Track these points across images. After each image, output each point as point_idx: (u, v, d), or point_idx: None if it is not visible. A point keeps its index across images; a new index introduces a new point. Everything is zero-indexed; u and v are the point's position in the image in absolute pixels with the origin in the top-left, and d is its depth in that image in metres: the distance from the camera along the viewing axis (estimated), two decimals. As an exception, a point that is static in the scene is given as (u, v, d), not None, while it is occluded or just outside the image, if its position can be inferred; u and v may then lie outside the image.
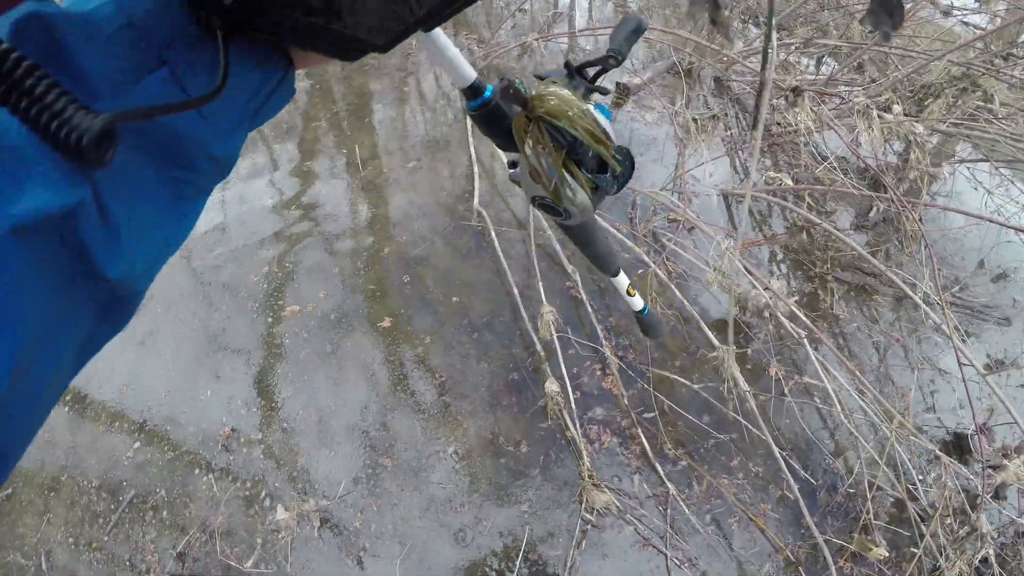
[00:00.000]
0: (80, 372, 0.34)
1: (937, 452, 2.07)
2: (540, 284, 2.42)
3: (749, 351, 2.44)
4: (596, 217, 0.69)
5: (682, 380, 2.28)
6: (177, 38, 0.32)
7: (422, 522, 2.05)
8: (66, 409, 2.33)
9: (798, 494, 2.03)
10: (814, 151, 2.84)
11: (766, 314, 2.19)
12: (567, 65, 0.64)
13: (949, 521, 2.01)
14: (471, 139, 3.25)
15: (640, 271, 2.66)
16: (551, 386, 2.15)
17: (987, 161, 3.22)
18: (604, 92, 0.66)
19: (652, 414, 2.26)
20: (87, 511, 2.10)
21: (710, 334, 2.18)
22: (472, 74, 0.55)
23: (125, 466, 2.18)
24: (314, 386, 2.35)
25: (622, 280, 0.83)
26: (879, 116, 2.42)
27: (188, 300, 2.65)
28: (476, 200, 2.75)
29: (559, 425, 2.23)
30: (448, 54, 0.52)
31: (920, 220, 2.59)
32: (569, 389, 2.21)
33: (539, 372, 2.34)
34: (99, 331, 0.35)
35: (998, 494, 2.12)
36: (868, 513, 2.05)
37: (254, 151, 3.44)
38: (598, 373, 2.38)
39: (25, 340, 0.27)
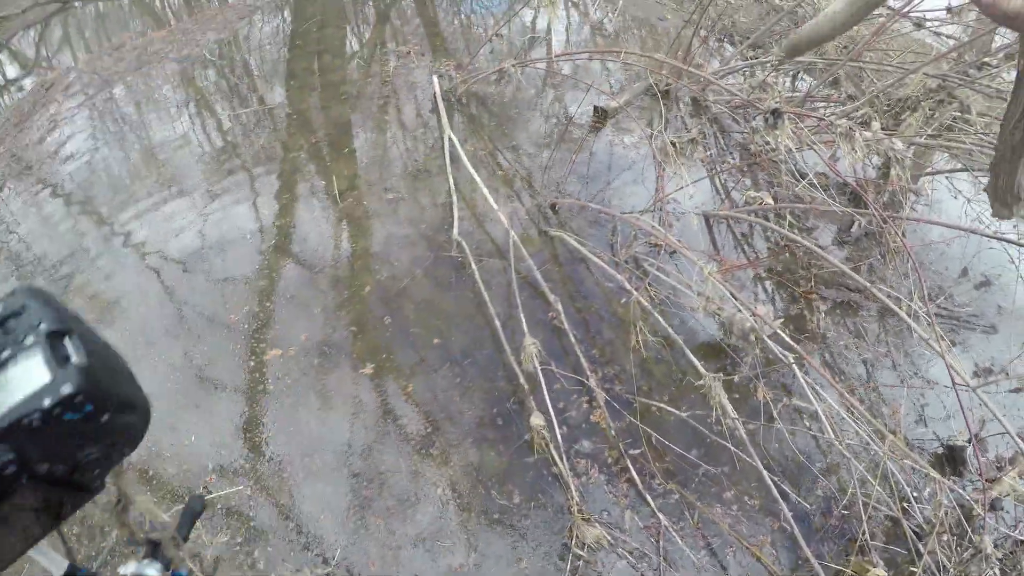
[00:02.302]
0: None
1: (932, 472, 2.05)
2: (522, 314, 2.40)
3: (736, 378, 2.41)
4: None
5: (670, 409, 2.25)
6: None
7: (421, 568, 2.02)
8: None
9: (792, 521, 2.01)
10: (793, 169, 2.85)
11: (752, 338, 2.17)
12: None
13: (946, 537, 1.98)
14: (449, 168, 3.24)
15: (624, 300, 2.63)
16: (536, 420, 2.12)
17: (967, 171, 3.24)
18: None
19: (640, 449, 2.23)
20: (69, 557, 2.04)
21: (696, 361, 2.17)
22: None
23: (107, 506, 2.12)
24: (299, 434, 2.30)
25: None
26: (860, 136, 2.42)
27: (170, 339, 2.62)
28: (455, 230, 2.73)
29: (545, 460, 2.19)
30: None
31: (903, 234, 2.59)
32: (555, 423, 2.17)
33: (523, 407, 2.31)
34: None
35: (994, 506, 2.10)
36: (864, 534, 2.02)
37: (237, 188, 3.43)
38: (584, 406, 2.34)
39: None
